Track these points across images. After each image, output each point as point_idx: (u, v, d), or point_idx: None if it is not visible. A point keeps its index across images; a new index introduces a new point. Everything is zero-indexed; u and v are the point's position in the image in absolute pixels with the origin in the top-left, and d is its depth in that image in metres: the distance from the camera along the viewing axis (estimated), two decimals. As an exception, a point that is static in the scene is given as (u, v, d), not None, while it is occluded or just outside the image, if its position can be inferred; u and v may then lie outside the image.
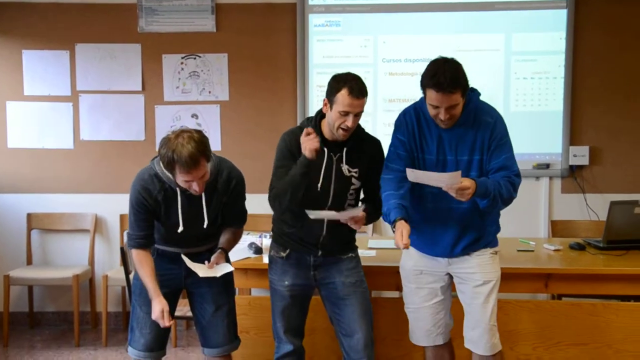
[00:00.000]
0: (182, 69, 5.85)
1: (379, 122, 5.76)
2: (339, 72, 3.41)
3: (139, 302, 3.53)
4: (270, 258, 3.67)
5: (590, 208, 5.73)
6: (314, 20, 5.80)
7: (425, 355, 3.72)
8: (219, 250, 3.48)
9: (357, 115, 3.38)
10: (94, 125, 5.92)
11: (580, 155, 5.75)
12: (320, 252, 3.56)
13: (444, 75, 3.17)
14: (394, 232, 3.30)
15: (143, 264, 3.38)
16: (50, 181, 5.96)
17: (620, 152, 5.79)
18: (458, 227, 3.45)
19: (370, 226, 5.78)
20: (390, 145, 3.55)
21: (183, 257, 3.41)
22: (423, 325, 3.60)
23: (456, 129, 3.38)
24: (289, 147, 3.48)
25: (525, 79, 5.74)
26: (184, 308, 4.40)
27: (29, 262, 5.93)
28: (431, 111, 3.32)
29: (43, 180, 5.96)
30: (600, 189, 5.79)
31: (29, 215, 5.94)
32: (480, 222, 3.46)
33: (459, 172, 3.18)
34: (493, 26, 5.71)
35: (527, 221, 5.80)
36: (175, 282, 3.53)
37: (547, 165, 5.78)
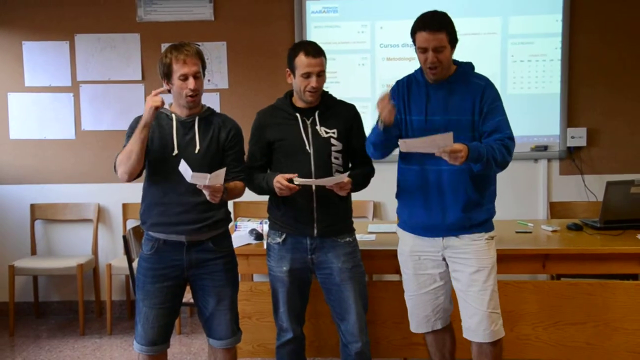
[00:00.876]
0: (181, 57, 5.87)
1: (378, 107, 5.78)
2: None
3: (140, 296, 3.52)
4: (268, 245, 3.71)
5: (589, 189, 5.76)
6: (312, 7, 5.81)
7: (426, 341, 3.75)
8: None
9: (320, 75, 3.50)
10: (95, 115, 5.96)
11: (578, 136, 5.77)
12: (316, 232, 3.57)
13: (431, 16, 3.39)
14: (378, 127, 3.42)
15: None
16: (52, 172, 6.01)
17: (618, 133, 5.81)
18: (450, 192, 3.45)
19: (371, 211, 5.82)
20: None
21: (181, 165, 3.29)
22: (421, 312, 3.63)
23: (445, 87, 3.46)
24: (261, 123, 3.69)
25: (522, 61, 5.76)
26: (187, 295, 4.43)
27: (33, 252, 5.99)
28: (420, 58, 3.43)
29: (45, 171, 6.02)
30: (598, 170, 5.82)
31: (32, 206, 5.99)
32: (473, 191, 3.44)
33: (451, 133, 3.18)
34: (489, 9, 5.72)
35: (526, 203, 5.83)
36: (178, 274, 3.50)
37: (545, 148, 5.81)
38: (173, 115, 3.47)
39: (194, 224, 3.43)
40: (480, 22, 5.70)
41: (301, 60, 3.47)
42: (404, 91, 3.55)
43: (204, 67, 3.45)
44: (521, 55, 5.76)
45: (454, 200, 3.45)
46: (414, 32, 3.43)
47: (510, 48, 5.76)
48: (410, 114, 3.51)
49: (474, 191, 3.45)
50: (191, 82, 3.36)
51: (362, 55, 5.77)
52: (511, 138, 3.41)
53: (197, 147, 3.44)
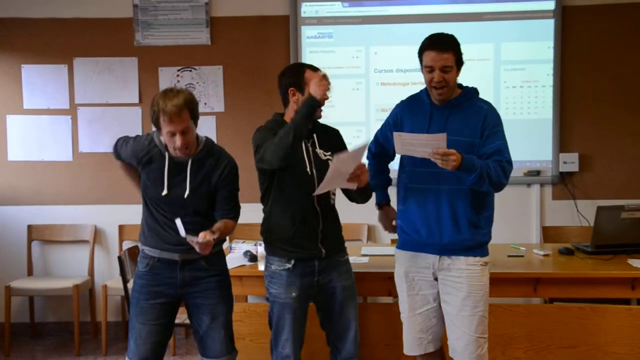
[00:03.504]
0: (178, 81, 5.94)
1: (372, 132, 5.77)
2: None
3: (134, 312, 3.55)
4: (272, 273, 3.58)
5: (581, 214, 5.81)
6: (307, 32, 5.90)
7: None
8: (210, 230, 3.36)
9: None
10: (92, 137, 6.00)
11: (570, 162, 5.83)
12: (324, 252, 3.57)
13: (439, 36, 3.46)
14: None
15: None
16: (50, 193, 6.05)
17: (609, 159, 5.86)
18: (448, 213, 3.48)
19: (365, 233, 5.86)
20: (382, 126, 3.79)
21: (177, 221, 3.32)
22: (415, 333, 3.64)
23: (449, 108, 3.50)
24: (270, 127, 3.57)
25: (514, 87, 5.84)
26: (182, 316, 4.45)
27: (30, 272, 6.01)
28: (427, 77, 3.47)
29: (43, 193, 6.05)
30: (590, 195, 5.87)
31: (29, 227, 6.02)
32: (472, 213, 3.48)
33: (444, 135, 3.24)
34: (482, 36, 5.81)
35: (519, 228, 5.87)
36: (172, 292, 3.54)
37: (538, 172, 5.87)
38: (167, 154, 3.44)
39: (187, 245, 3.43)
40: (473, 48, 5.73)
41: (311, 75, 3.48)
42: (410, 111, 3.63)
43: (194, 116, 3.36)
44: (514, 81, 5.83)
45: (452, 220, 3.48)
46: (421, 51, 3.49)
47: (503, 74, 5.83)
48: (413, 131, 3.49)
49: (473, 214, 3.49)
50: (178, 140, 3.30)
51: (357, 80, 5.85)
52: (509, 162, 3.46)
53: (187, 192, 3.45)
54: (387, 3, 5.85)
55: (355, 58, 5.90)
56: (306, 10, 5.88)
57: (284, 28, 5.90)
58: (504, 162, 3.42)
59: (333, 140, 3.70)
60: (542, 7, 5.77)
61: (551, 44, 5.77)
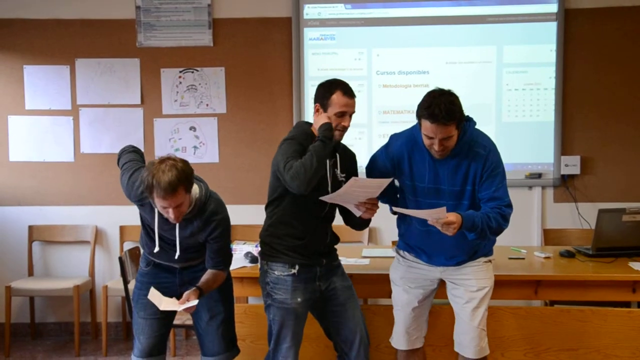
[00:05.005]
0: (180, 82, 5.95)
1: (374, 134, 5.85)
2: None
3: (136, 308, 3.63)
4: (276, 279, 3.53)
5: (582, 217, 5.81)
6: (309, 34, 5.90)
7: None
8: (194, 289, 3.40)
9: (351, 115, 3.49)
10: (94, 138, 6.01)
11: (572, 164, 5.83)
12: (325, 261, 3.60)
13: (439, 107, 3.24)
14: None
15: None
16: (51, 194, 6.05)
17: (611, 161, 5.86)
18: (453, 245, 3.53)
19: (366, 236, 5.86)
20: (376, 158, 3.72)
21: (151, 290, 3.38)
22: (407, 328, 3.69)
23: (450, 160, 3.46)
24: (300, 142, 3.46)
25: (516, 90, 5.83)
26: (182, 317, 4.47)
27: (30, 273, 6.01)
28: (426, 141, 3.40)
29: (44, 193, 6.05)
30: (591, 197, 5.87)
31: (30, 228, 6.02)
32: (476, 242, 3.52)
33: (444, 208, 3.26)
34: (485, 39, 5.80)
35: (521, 230, 5.85)
36: (171, 291, 3.57)
37: (540, 175, 5.87)
38: (156, 210, 3.37)
39: (184, 262, 3.59)
40: (475, 51, 5.79)
41: (338, 98, 3.42)
42: (409, 157, 3.56)
43: (189, 188, 3.25)
44: (516, 84, 5.83)
45: (456, 245, 3.52)
46: (419, 117, 3.39)
47: (505, 77, 5.83)
48: (413, 180, 3.54)
49: (478, 245, 3.58)
50: (171, 213, 3.22)
51: (359, 82, 5.84)
52: (509, 205, 3.46)
53: (177, 253, 3.45)
54: (389, 5, 5.84)
55: (357, 60, 5.90)
56: (308, 12, 5.88)
57: (286, 30, 5.90)
58: (503, 208, 3.43)
59: (350, 162, 3.71)
60: (545, 9, 5.76)
61: (553, 46, 5.77)
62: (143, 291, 3.58)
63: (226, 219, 3.50)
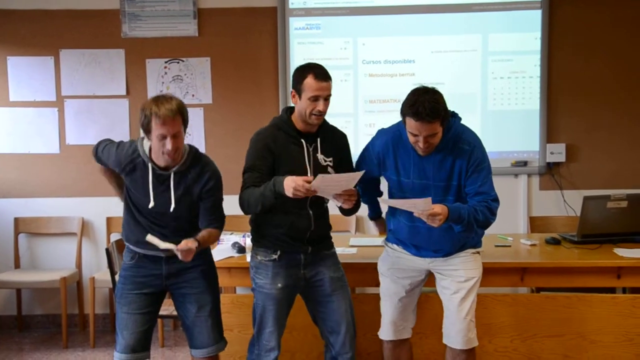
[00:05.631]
0: (166, 73, 5.93)
1: (361, 123, 5.86)
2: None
3: (120, 303, 3.58)
4: (257, 263, 3.59)
5: (568, 204, 5.84)
6: (295, 24, 5.88)
7: (384, 353, 3.82)
8: (193, 239, 3.39)
9: (327, 99, 3.46)
10: (79, 129, 5.98)
11: (557, 152, 5.86)
12: (310, 249, 3.59)
13: (423, 105, 3.24)
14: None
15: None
16: (37, 186, 6.02)
17: (596, 149, 5.90)
18: (441, 238, 3.56)
19: (353, 224, 5.87)
20: (365, 151, 3.73)
21: (148, 237, 3.38)
22: (395, 318, 3.71)
23: (435, 156, 3.47)
24: (266, 143, 3.52)
25: (502, 78, 5.85)
26: (169, 308, 4.47)
27: (17, 265, 5.99)
28: (410, 138, 3.41)
29: (30, 185, 6.03)
30: (577, 185, 5.90)
31: (16, 220, 6.00)
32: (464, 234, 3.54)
33: (429, 199, 3.27)
34: (470, 27, 5.81)
35: (507, 218, 5.86)
36: (157, 283, 3.58)
37: (525, 163, 5.89)
38: (150, 166, 3.42)
39: (175, 232, 3.51)
40: (461, 40, 5.79)
41: (310, 82, 3.41)
42: (394, 153, 3.57)
43: (185, 122, 3.37)
44: (501, 72, 5.84)
45: (444, 231, 3.51)
46: (403, 115, 3.39)
47: (491, 65, 5.84)
48: (399, 175, 3.56)
49: (466, 237, 3.61)
50: (168, 143, 3.28)
51: (345, 72, 5.84)
52: (495, 199, 3.48)
53: (172, 206, 3.45)
54: (375, -6, 5.84)
55: (343, 49, 5.89)
56: (294, 1, 5.86)
57: (271, 19, 5.89)
58: (490, 202, 3.45)
59: (338, 144, 3.69)
60: (529, -3, 5.80)
61: (538, 34, 5.78)
62: (127, 286, 3.56)
63: (219, 172, 3.57)
